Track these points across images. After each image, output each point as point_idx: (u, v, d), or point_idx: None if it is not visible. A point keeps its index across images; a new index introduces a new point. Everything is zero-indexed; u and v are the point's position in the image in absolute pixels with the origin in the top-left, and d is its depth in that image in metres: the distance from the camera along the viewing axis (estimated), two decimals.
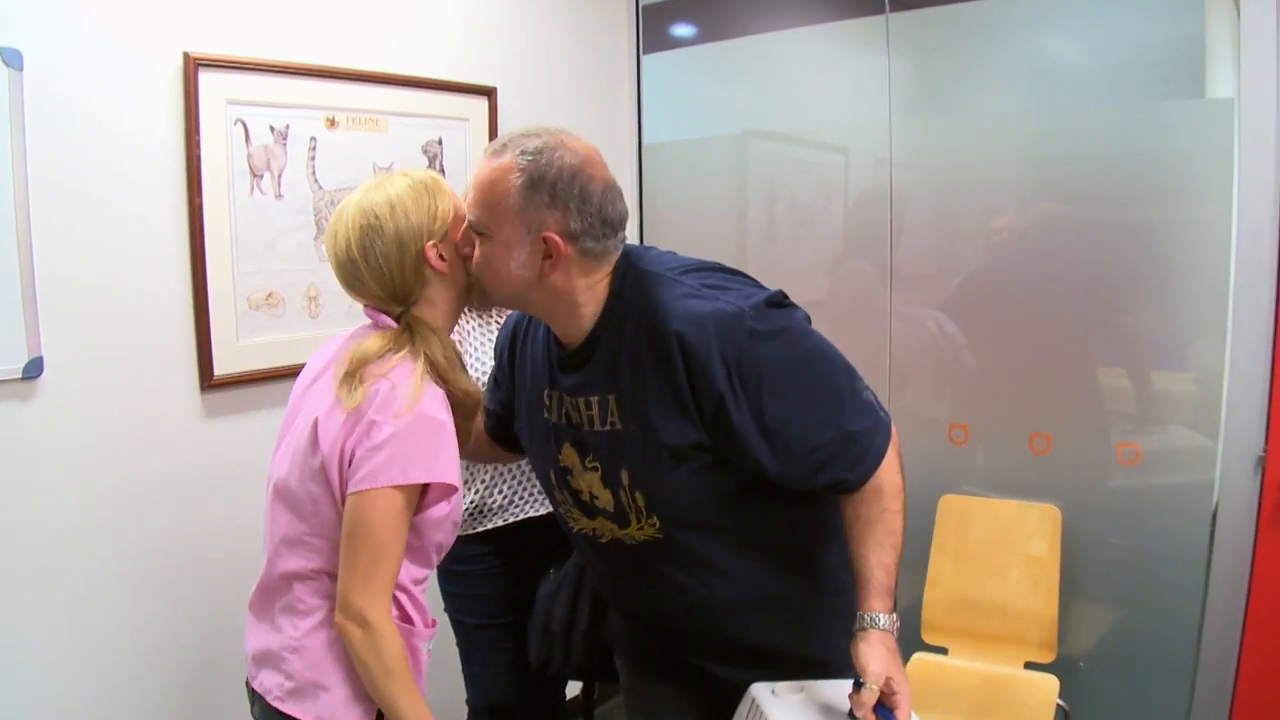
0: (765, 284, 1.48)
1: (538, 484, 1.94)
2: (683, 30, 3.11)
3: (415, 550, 1.45)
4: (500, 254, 1.36)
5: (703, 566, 1.48)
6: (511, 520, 2.04)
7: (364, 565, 1.35)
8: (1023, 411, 2.63)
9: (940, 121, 2.80)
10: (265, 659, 1.47)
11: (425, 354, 1.41)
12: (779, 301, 1.40)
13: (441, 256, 1.44)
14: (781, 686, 1.45)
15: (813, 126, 2.94)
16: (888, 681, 1.30)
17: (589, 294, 1.40)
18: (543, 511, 2.06)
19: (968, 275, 2.76)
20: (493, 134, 2.65)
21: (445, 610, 2.09)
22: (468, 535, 2.01)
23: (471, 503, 2.01)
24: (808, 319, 1.44)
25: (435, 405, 1.38)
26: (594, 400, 1.43)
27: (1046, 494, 2.57)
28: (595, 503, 1.48)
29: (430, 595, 1.57)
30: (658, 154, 3.00)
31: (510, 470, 2.03)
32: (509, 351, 1.64)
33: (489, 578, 2.04)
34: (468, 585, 2.05)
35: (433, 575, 1.57)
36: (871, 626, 1.35)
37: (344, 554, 1.37)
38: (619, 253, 1.41)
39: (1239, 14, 2.30)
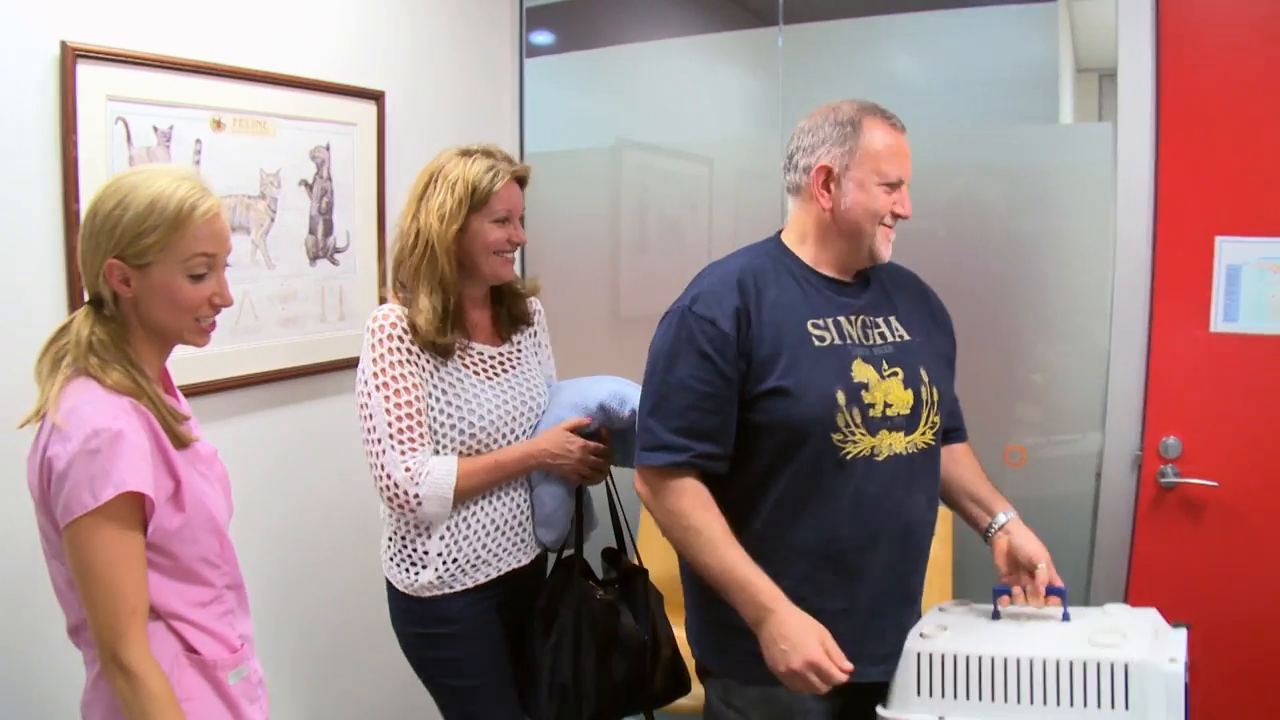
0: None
1: (518, 534, 1.95)
2: (564, 36, 3.06)
3: (171, 570, 1.35)
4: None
5: (936, 481, 1.78)
6: (494, 575, 1.94)
7: (100, 604, 1.26)
8: None
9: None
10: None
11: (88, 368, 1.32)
12: None
13: (126, 282, 1.35)
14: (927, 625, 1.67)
15: (682, 139, 2.95)
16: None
17: None
18: (525, 563, 1.98)
19: None
20: (381, 140, 2.53)
21: (424, 679, 1.96)
22: (447, 594, 1.89)
23: (452, 560, 1.88)
24: None
25: (106, 415, 1.28)
26: (880, 319, 1.72)
27: None
28: (888, 411, 1.64)
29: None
30: (543, 163, 2.90)
31: (490, 522, 1.92)
32: (741, 323, 1.64)
33: (472, 637, 1.92)
34: (450, 648, 1.92)
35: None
36: (1011, 518, 1.78)
37: (80, 597, 1.28)
38: None
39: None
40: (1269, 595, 2.38)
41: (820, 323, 1.66)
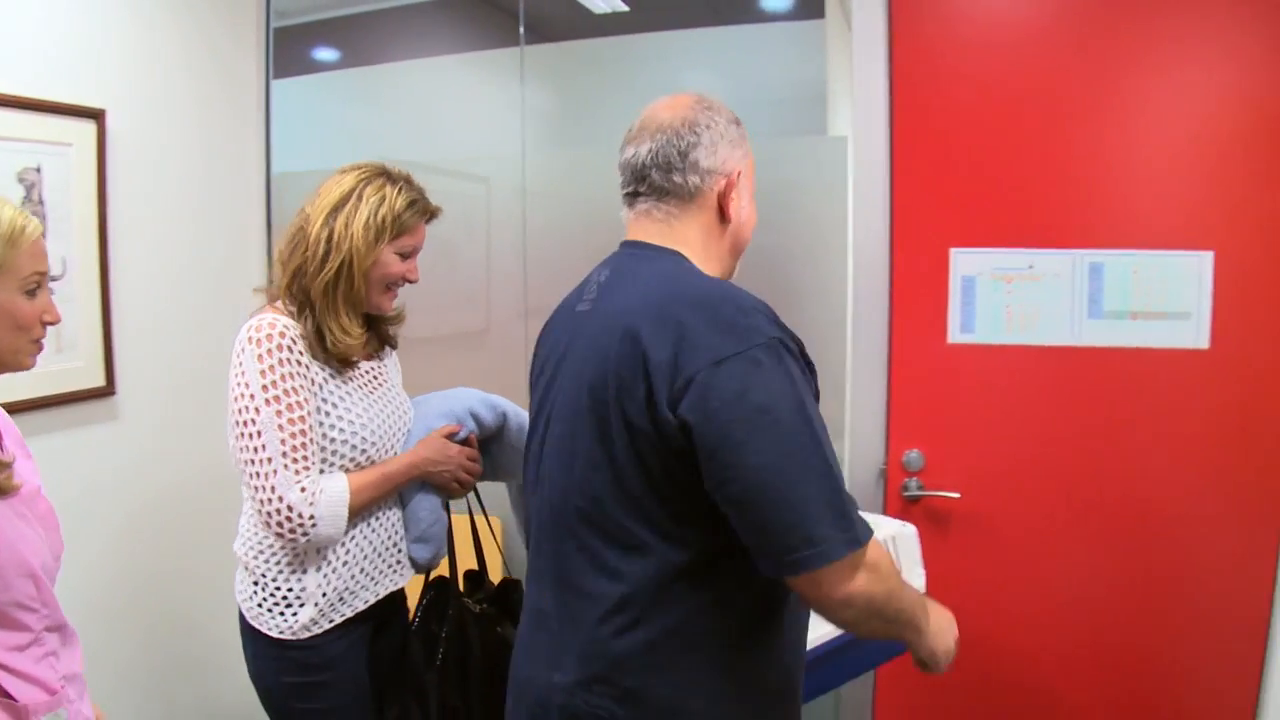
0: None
1: (393, 555, 1.89)
2: (319, 54, 2.99)
3: None
4: None
5: None
6: (372, 601, 1.85)
7: None
8: None
9: (579, 154, 2.84)
10: None
11: None
12: None
13: None
14: None
15: (453, 157, 2.88)
16: None
17: None
18: (400, 585, 1.92)
19: None
20: (101, 160, 2.41)
21: None
22: (327, 631, 1.78)
23: (333, 590, 1.78)
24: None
25: None
26: None
27: None
28: None
29: None
30: (291, 184, 2.85)
31: (369, 544, 1.83)
32: None
33: (344, 686, 1.82)
34: (322, 697, 1.80)
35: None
36: None
37: None
38: (627, 201, 1.44)
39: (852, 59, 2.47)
40: (1012, 603, 2.40)
41: None
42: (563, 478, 1.33)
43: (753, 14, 2.82)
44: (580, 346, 1.34)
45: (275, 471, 1.66)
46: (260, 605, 1.77)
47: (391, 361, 2.01)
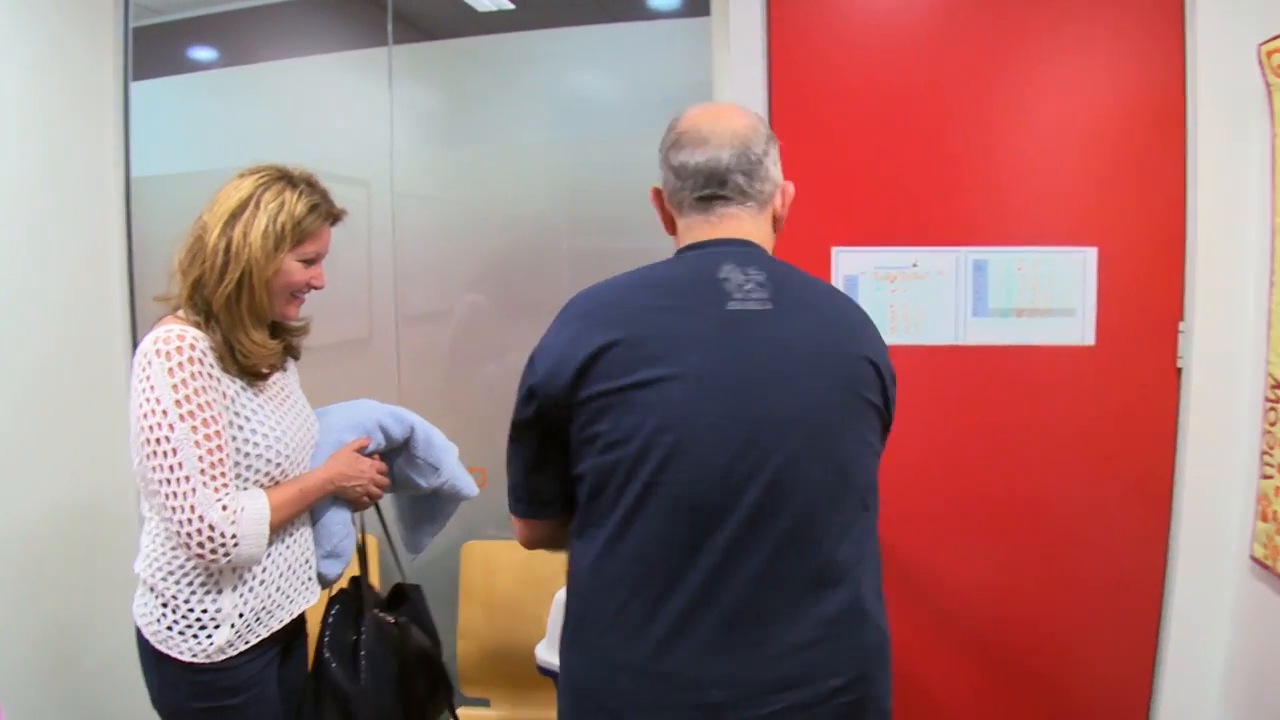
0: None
1: (305, 572, 1.81)
2: (188, 53, 2.88)
3: None
4: None
5: None
6: (286, 621, 1.76)
7: None
8: None
9: (464, 154, 2.75)
10: None
11: None
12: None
13: None
14: None
15: (329, 158, 2.76)
16: None
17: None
18: (312, 603, 1.83)
19: (469, 307, 2.73)
20: None
21: None
22: (242, 653, 1.68)
23: (250, 610, 1.68)
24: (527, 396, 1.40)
25: None
26: None
27: None
28: None
29: None
30: (151, 188, 2.72)
31: (284, 561, 1.75)
32: None
33: (265, 701, 1.74)
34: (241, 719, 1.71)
35: None
36: None
37: None
38: (702, 204, 1.40)
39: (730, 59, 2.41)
40: (906, 602, 2.25)
41: None
42: (790, 473, 1.29)
43: (640, 11, 2.74)
44: (776, 341, 1.32)
45: (194, 490, 1.56)
46: (170, 629, 1.66)
47: (292, 372, 1.92)
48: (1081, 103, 2.18)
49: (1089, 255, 2.21)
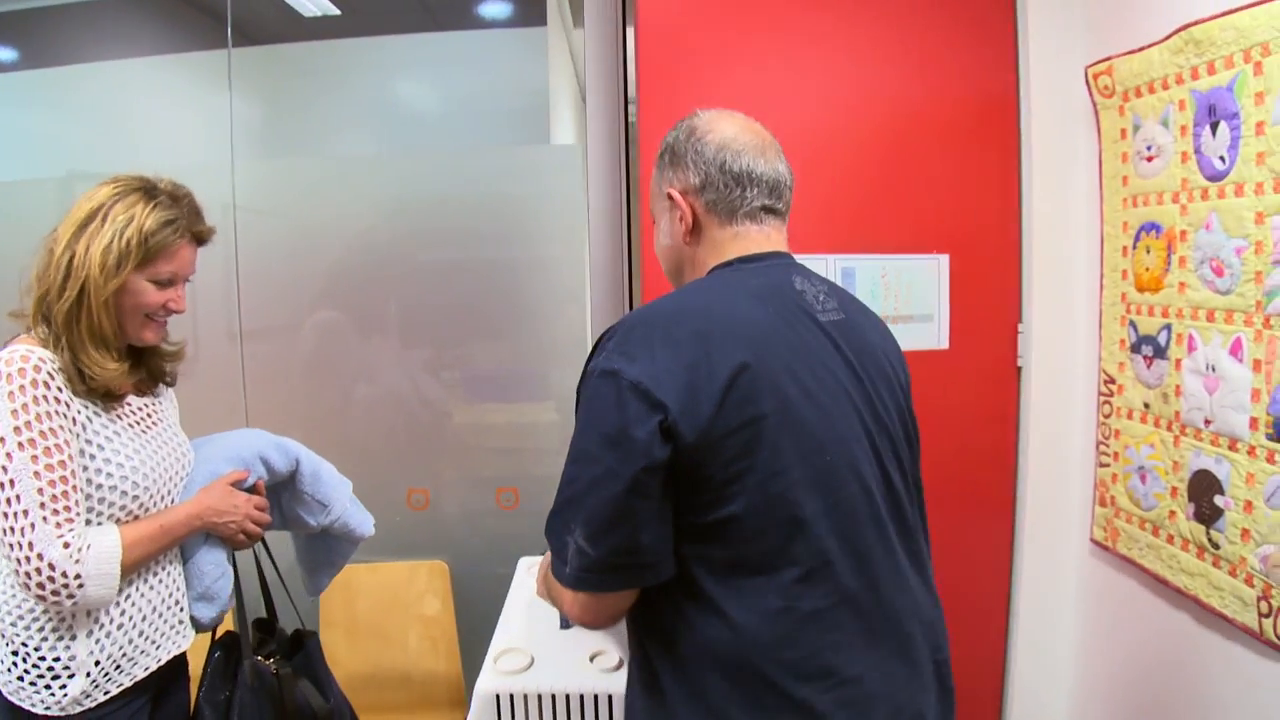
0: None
1: (174, 615, 1.66)
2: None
3: None
4: (657, 232, 1.40)
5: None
6: (152, 668, 1.60)
7: None
8: (398, 466, 2.50)
9: (291, 164, 2.64)
10: None
11: None
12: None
13: None
14: None
15: (153, 167, 2.59)
16: None
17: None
18: (184, 648, 1.68)
19: (323, 324, 2.61)
20: None
21: None
22: (100, 705, 1.53)
23: (107, 658, 1.53)
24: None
25: None
26: None
27: (432, 550, 2.45)
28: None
29: None
30: None
31: (148, 604, 1.59)
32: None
33: None
34: None
35: None
36: None
37: None
38: (757, 215, 1.33)
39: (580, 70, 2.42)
40: None
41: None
42: (898, 474, 1.31)
43: (472, 20, 2.71)
44: (863, 351, 1.31)
45: (33, 525, 1.42)
46: (21, 679, 1.51)
47: (168, 399, 1.78)
48: (928, 116, 2.28)
49: (942, 262, 2.32)
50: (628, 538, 1.14)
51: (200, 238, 1.65)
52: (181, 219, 1.59)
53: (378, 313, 2.56)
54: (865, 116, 2.31)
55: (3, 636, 1.53)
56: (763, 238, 1.33)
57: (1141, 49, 1.92)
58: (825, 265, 2.33)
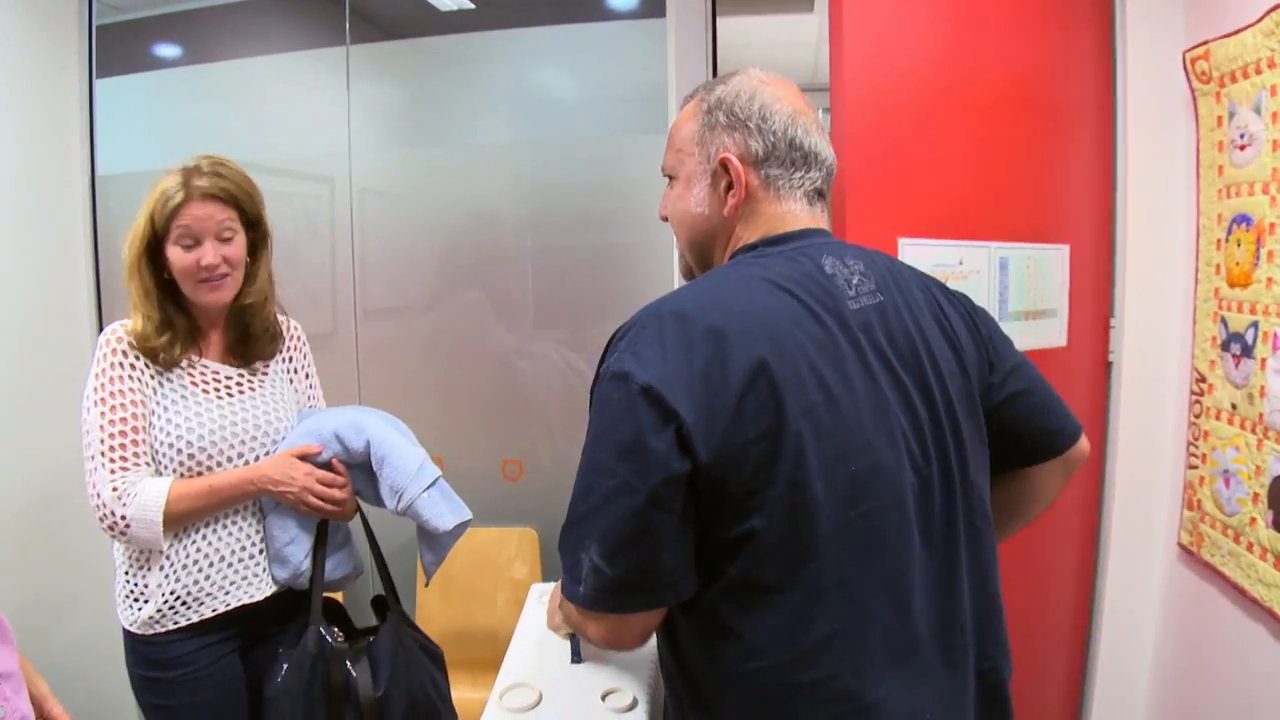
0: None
1: (247, 567, 1.79)
2: (152, 51, 2.90)
3: None
4: (683, 194, 1.25)
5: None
6: (221, 610, 1.76)
7: None
8: (496, 439, 2.65)
9: (426, 152, 2.80)
10: None
11: None
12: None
13: None
14: None
15: (294, 156, 2.81)
16: None
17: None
18: (257, 598, 1.80)
19: (450, 306, 2.76)
20: None
21: None
22: (171, 631, 1.72)
23: (171, 593, 1.71)
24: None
25: None
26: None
27: (523, 518, 2.59)
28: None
29: None
30: (118, 187, 2.74)
31: (215, 552, 1.75)
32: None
33: (196, 686, 1.73)
34: (172, 694, 1.72)
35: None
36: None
37: None
38: (814, 196, 1.24)
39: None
40: None
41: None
42: (958, 465, 1.19)
43: (598, 12, 2.80)
44: (905, 337, 1.17)
45: (96, 469, 1.67)
46: (118, 594, 1.78)
47: (281, 369, 1.91)
48: (1031, 99, 2.09)
49: (1064, 253, 2.16)
50: (647, 556, 1.05)
51: (216, 193, 1.71)
52: (190, 179, 1.69)
53: (493, 293, 2.71)
54: (977, 92, 2.06)
55: (118, 560, 1.79)
56: (810, 218, 1.22)
57: (1236, 32, 1.82)
58: (987, 255, 2.09)
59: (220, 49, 2.88)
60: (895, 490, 1.10)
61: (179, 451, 1.71)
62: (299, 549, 1.82)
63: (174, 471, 1.72)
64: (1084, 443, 1.36)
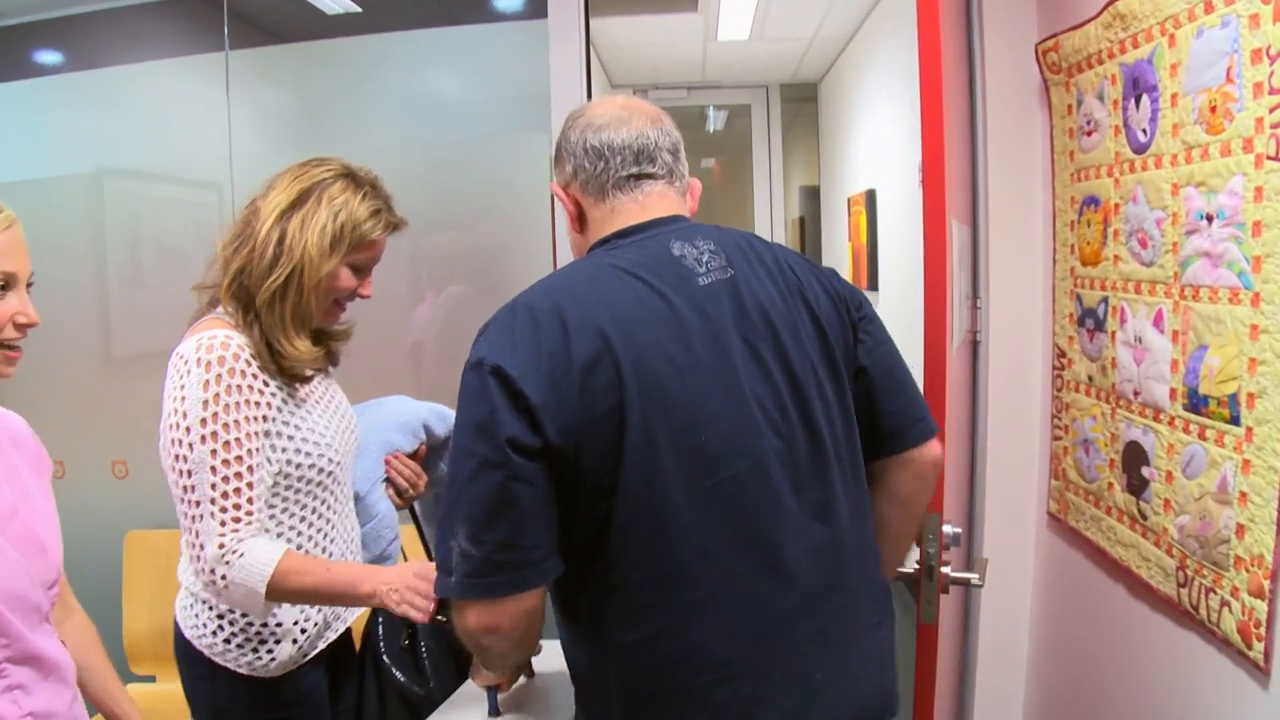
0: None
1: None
2: (30, 59, 2.81)
3: None
4: (567, 229, 1.36)
5: None
6: (341, 630, 1.67)
7: None
8: None
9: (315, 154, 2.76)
10: None
11: None
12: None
13: None
14: None
15: (181, 164, 2.76)
16: None
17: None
18: (360, 613, 1.74)
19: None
20: None
21: None
22: (298, 667, 1.60)
23: (308, 620, 1.60)
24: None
25: None
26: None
27: None
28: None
29: None
30: (6, 194, 2.67)
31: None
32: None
33: (320, 706, 1.65)
34: None
35: None
36: None
37: None
38: (629, 183, 1.28)
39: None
40: None
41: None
42: (826, 423, 1.24)
43: (483, 14, 2.80)
44: (756, 306, 1.23)
45: (201, 517, 1.43)
46: (228, 641, 1.57)
47: (331, 375, 1.81)
48: None
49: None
50: (512, 530, 1.08)
51: (396, 228, 1.63)
52: (385, 211, 1.60)
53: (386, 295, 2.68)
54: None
55: (204, 601, 1.58)
56: (637, 207, 1.27)
57: (1081, 25, 1.93)
58: None
59: (101, 55, 2.82)
60: (754, 455, 1.15)
61: (319, 471, 1.57)
62: (396, 547, 1.85)
63: (308, 485, 1.57)
64: (933, 447, 1.36)
